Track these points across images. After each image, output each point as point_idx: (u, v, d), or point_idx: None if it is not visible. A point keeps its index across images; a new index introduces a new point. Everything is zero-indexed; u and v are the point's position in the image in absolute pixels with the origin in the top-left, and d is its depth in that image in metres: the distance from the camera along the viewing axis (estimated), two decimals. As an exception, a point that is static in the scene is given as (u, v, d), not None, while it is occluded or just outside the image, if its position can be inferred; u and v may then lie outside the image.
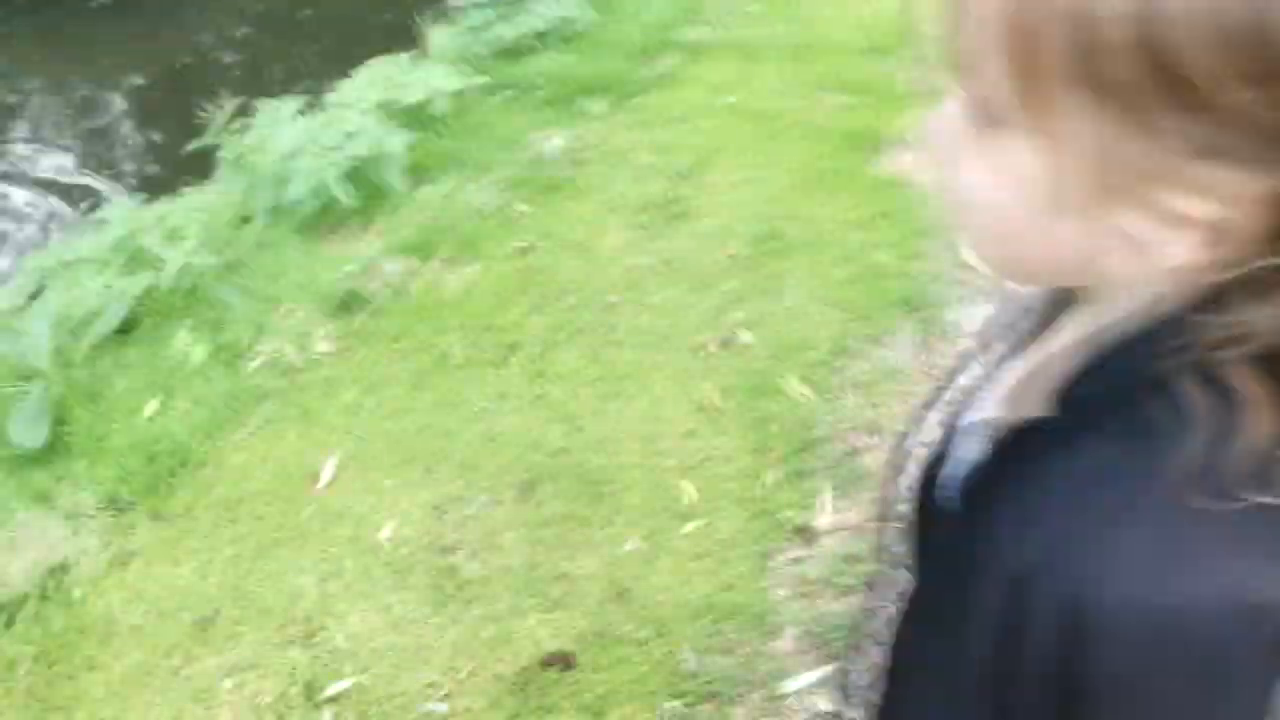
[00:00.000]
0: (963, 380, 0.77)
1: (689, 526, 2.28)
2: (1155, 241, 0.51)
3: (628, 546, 2.25)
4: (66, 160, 5.17)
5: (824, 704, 1.95)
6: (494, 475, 2.44)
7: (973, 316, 2.75)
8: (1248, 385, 0.51)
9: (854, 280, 2.87)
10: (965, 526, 0.64)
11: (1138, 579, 0.52)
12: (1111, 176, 0.51)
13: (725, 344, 2.74)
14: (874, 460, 2.41)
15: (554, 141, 3.52)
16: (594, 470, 2.43)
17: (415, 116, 3.63)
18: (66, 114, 5.81)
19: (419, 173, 3.49)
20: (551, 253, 3.08)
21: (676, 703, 1.95)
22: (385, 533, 2.33)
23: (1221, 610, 0.51)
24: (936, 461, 0.71)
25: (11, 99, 5.94)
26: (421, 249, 3.14)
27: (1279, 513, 0.51)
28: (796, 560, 2.21)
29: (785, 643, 2.06)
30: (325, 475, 2.49)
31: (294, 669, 2.04)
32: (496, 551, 2.27)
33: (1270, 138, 0.47)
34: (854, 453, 2.43)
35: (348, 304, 2.95)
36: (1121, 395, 0.55)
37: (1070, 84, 0.49)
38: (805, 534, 2.25)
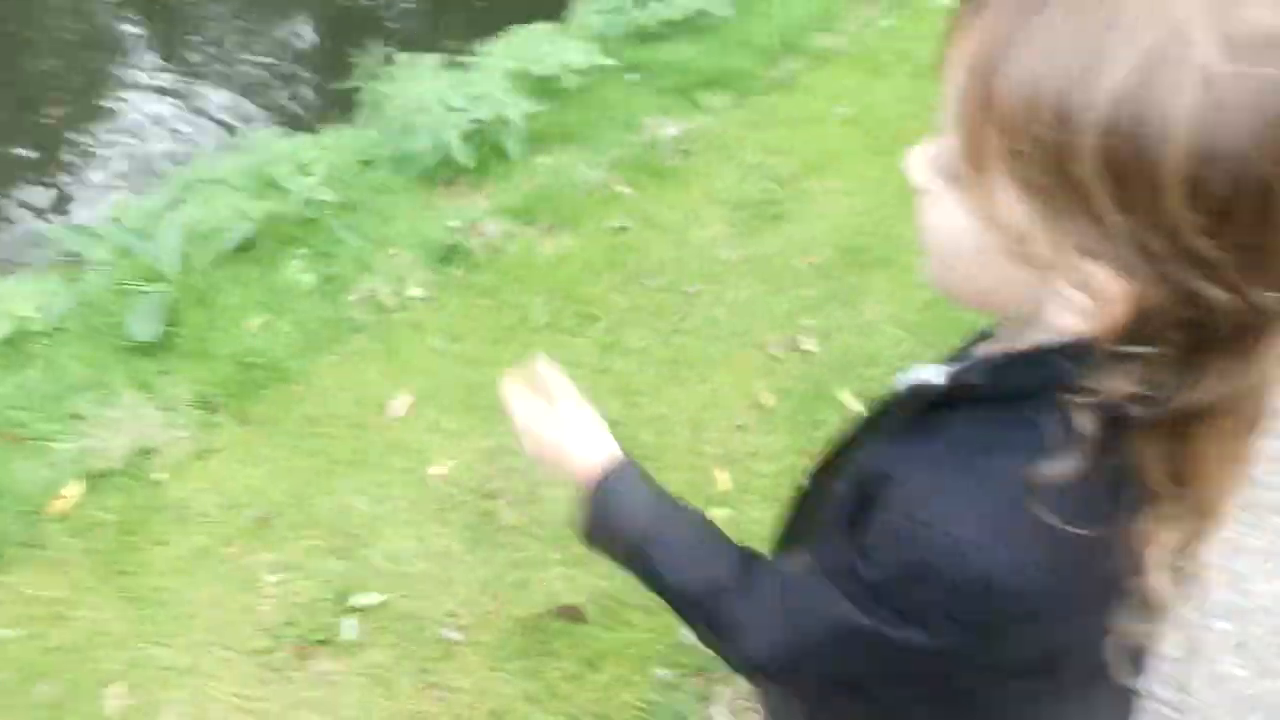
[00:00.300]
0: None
1: (719, 513, 2.39)
2: (1050, 304, 0.63)
3: (657, 521, 2.37)
4: (225, 87, 5.53)
5: (807, 698, 2.05)
6: (548, 435, 2.59)
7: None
8: (1084, 424, 0.63)
9: (930, 305, 2.91)
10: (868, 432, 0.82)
11: (961, 532, 0.66)
12: (1024, 250, 0.62)
13: (791, 347, 2.83)
14: (909, 481, 2.48)
15: (668, 129, 3.64)
16: (642, 445, 2.55)
17: (543, 87, 3.80)
18: (236, 40, 6.19)
19: (537, 142, 3.65)
20: (644, 235, 3.21)
21: (668, 671, 2.08)
22: (438, 470, 2.51)
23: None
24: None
25: (188, 23, 6.36)
26: (524, 214, 3.31)
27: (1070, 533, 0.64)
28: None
29: (785, 636, 2.15)
30: (396, 409, 2.68)
31: (331, 576, 2.23)
32: (535, 505, 2.43)
33: (1137, 252, 0.57)
34: (891, 470, 2.50)
35: (447, 256, 3.14)
36: (998, 391, 0.69)
37: (1004, 171, 0.60)
38: (827, 539, 2.34)
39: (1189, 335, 0.59)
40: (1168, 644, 0.77)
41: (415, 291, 3.04)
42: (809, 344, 2.82)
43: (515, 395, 1.05)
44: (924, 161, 0.69)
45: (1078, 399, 0.63)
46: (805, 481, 0.93)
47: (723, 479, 2.47)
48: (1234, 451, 0.65)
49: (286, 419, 2.64)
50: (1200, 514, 0.67)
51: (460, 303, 3.00)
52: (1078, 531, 0.63)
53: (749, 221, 3.27)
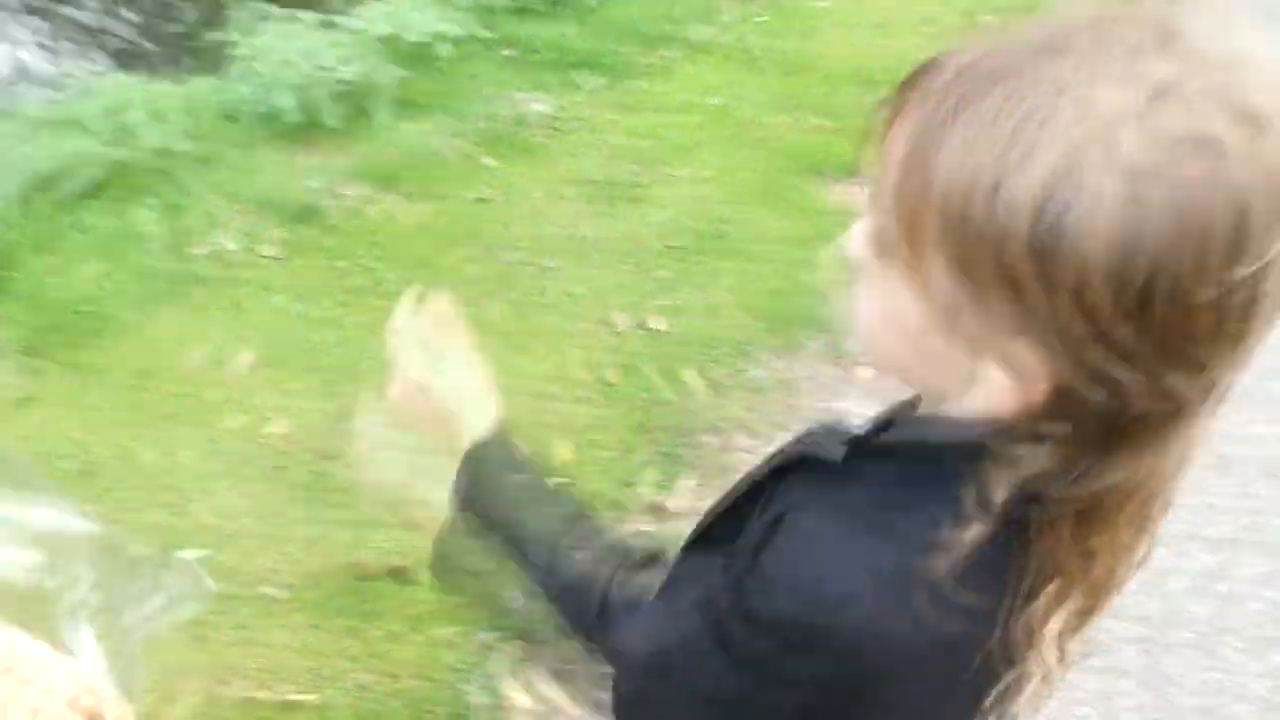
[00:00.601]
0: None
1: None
2: (974, 380, 0.65)
3: (492, 488, 2.40)
4: (86, 27, 5.31)
5: (623, 663, 2.10)
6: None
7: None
8: (998, 496, 0.64)
9: (777, 293, 3.01)
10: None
11: (852, 589, 0.66)
12: (955, 328, 0.63)
13: (640, 326, 2.88)
14: (743, 460, 2.56)
15: (538, 106, 3.65)
16: (484, 414, 2.57)
17: (416, 55, 3.77)
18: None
19: (405, 109, 3.62)
20: (505, 209, 3.23)
21: (492, 634, 2.11)
22: (275, 429, 2.49)
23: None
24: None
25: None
26: (386, 179, 3.28)
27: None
28: (640, 533, 2.36)
29: (608, 603, 2.21)
30: (236, 366, 2.63)
31: (152, 531, 2.19)
32: (372, 467, 2.42)
33: (1059, 335, 0.59)
34: (727, 449, 2.58)
35: (302, 216, 3.10)
36: (919, 453, 0.70)
37: (938, 252, 0.60)
38: (657, 511, 2.40)
39: (1104, 417, 0.61)
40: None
41: (266, 249, 2.99)
42: (658, 323, 2.88)
43: (403, 347, 1.01)
44: (861, 238, 0.67)
45: (996, 471, 0.64)
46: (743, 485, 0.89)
47: (563, 451, 2.50)
48: (1138, 533, 0.68)
49: (117, 370, 2.58)
50: (1095, 594, 0.69)
51: (311, 264, 2.97)
52: (968, 602, 0.64)
53: (610, 201, 3.32)
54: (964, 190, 0.57)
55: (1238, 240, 0.55)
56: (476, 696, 1.99)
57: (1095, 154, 0.54)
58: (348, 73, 3.45)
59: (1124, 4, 0.62)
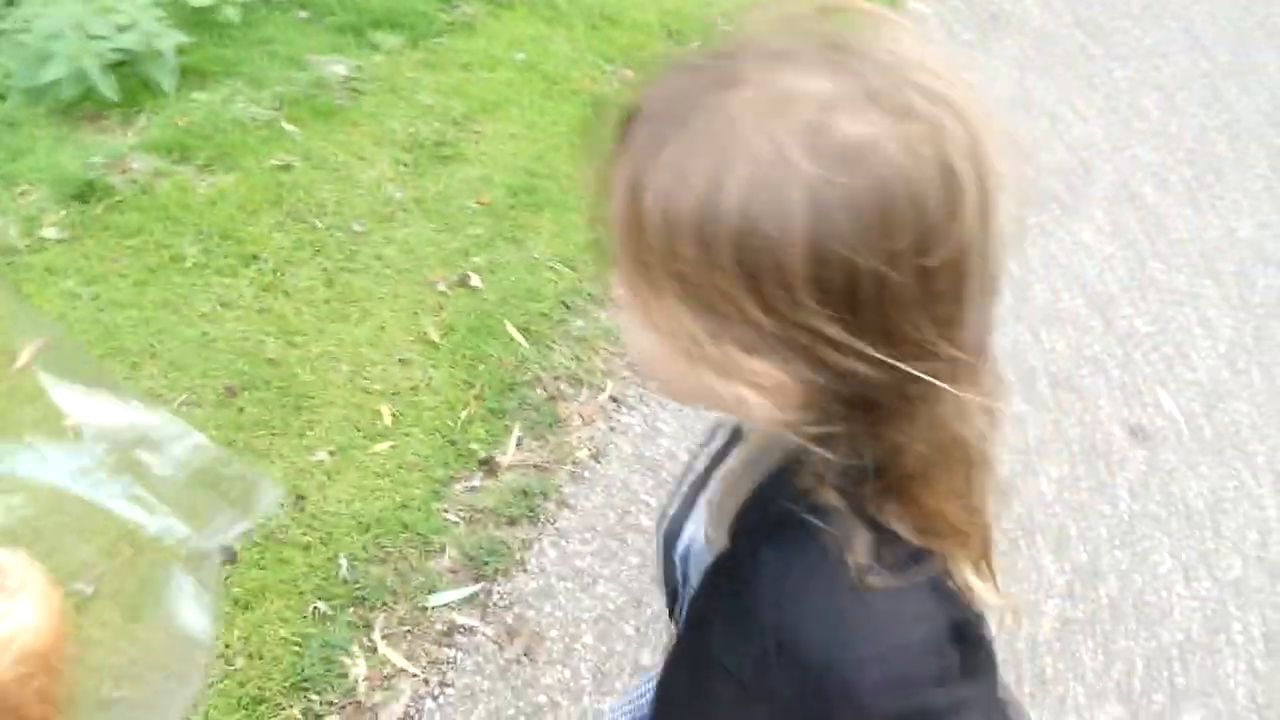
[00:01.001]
0: (700, 460, 0.94)
1: (379, 446, 2.38)
2: (741, 400, 0.68)
3: (315, 457, 2.33)
4: None
5: (462, 618, 2.09)
6: (200, 377, 2.48)
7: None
8: (835, 505, 0.71)
9: (595, 244, 3.01)
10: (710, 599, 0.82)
11: (833, 643, 0.71)
12: (695, 353, 0.67)
13: (457, 284, 2.84)
14: (568, 409, 2.57)
15: (337, 68, 3.53)
16: (301, 384, 2.50)
17: (200, 19, 3.57)
18: None
19: (194, 76, 3.44)
20: (309, 175, 3.11)
21: (324, 604, 2.06)
22: (74, 419, 2.34)
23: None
24: (673, 534, 0.92)
25: None
26: (177, 151, 3.11)
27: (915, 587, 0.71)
28: (473, 489, 2.35)
29: (443, 562, 2.19)
30: (24, 357, 2.46)
31: (-59, 534, 2.04)
32: (185, 449, 2.32)
33: (786, 345, 0.63)
34: (552, 399, 2.58)
35: (87, 193, 2.91)
36: (777, 518, 0.74)
37: (664, 286, 0.64)
38: (488, 466, 2.39)
39: (864, 408, 0.66)
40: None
41: (49, 232, 2.80)
42: (476, 281, 2.85)
43: None
44: (617, 279, 0.71)
45: (812, 487, 0.71)
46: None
47: (386, 413, 2.46)
48: (961, 491, 0.72)
49: (-111, 369, 2.37)
50: (963, 544, 0.74)
51: (99, 244, 2.79)
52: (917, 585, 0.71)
53: (420, 162, 3.25)
54: (671, 221, 0.61)
55: (922, 230, 0.60)
56: (314, 667, 1.95)
57: (777, 174, 0.59)
58: (125, 41, 3.24)
59: (795, 18, 0.67)
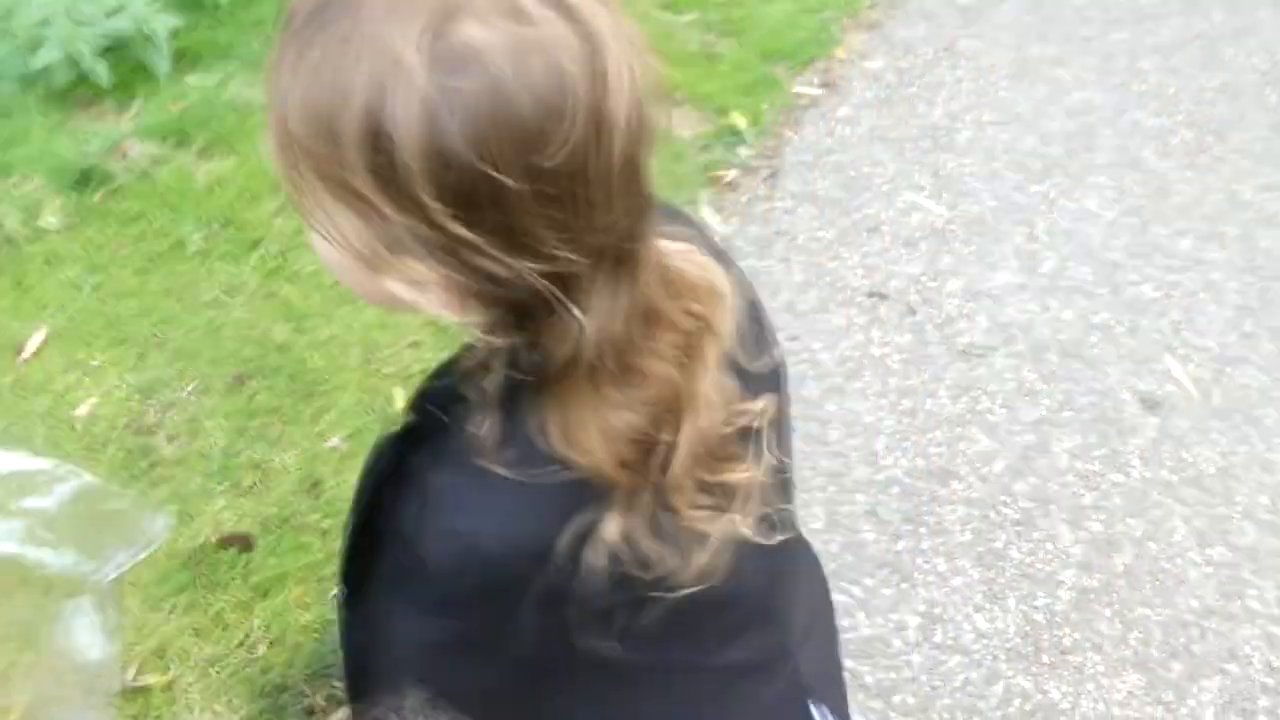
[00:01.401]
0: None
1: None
2: (414, 301, 0.73)
3: (329, 443, 2.33)
4: None
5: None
6: (208, 365, 2.47)
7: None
8: (489, 394, 0.75)
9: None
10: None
11: (456, 518, 0.77)
12: (365, 259, 0.70)
13: (463, 266, 2.82)
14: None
15: (332, 48, 3.49)
16: (311, 370, 2.48)
17: (191, 1, 3.53)
18: None
19: (187, 60, 3.40)
20: (309, 157, 3.08)
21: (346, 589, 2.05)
22: (83, 410, 2.33)
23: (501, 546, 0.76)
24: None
25: None
26: (175, 136, 3.08)
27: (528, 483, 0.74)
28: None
29: (461, 544, 2.18)
30: (29, 349, 2.45)
31: (-43, 529, 2.03)
32: (197, 437, 2.31)
33: (421, 244, 0.66)
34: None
35: (85, 181, 2.88)
36: (447, 399, 0.79)
37: (317, 185, 0.67)
38: (501, 448, 2.38)
39: (514, 309, 0.70)
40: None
41: (49, 221, 2.77)
42: (481, 261, 2.83)
43: None
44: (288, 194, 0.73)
45: (475, 371, 0.76)
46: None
47: (400, 397, 2.45)
48: (606, 402, 0.73)
49: (-106, 364, 2.35)
50: (620, 479, 0.75)
51: (101, 232, 2.77)
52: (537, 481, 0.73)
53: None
54: (310, 129, 0.64)
55: (528, 134, 0.62)
56: (336, 655, 1.94)
57: (393, 80, 0.61)
58: (116, 25, 3.20)
59: None
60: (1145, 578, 2.27)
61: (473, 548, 0.76)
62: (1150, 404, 2.69)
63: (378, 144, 0.62)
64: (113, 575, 0.89)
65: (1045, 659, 2.10)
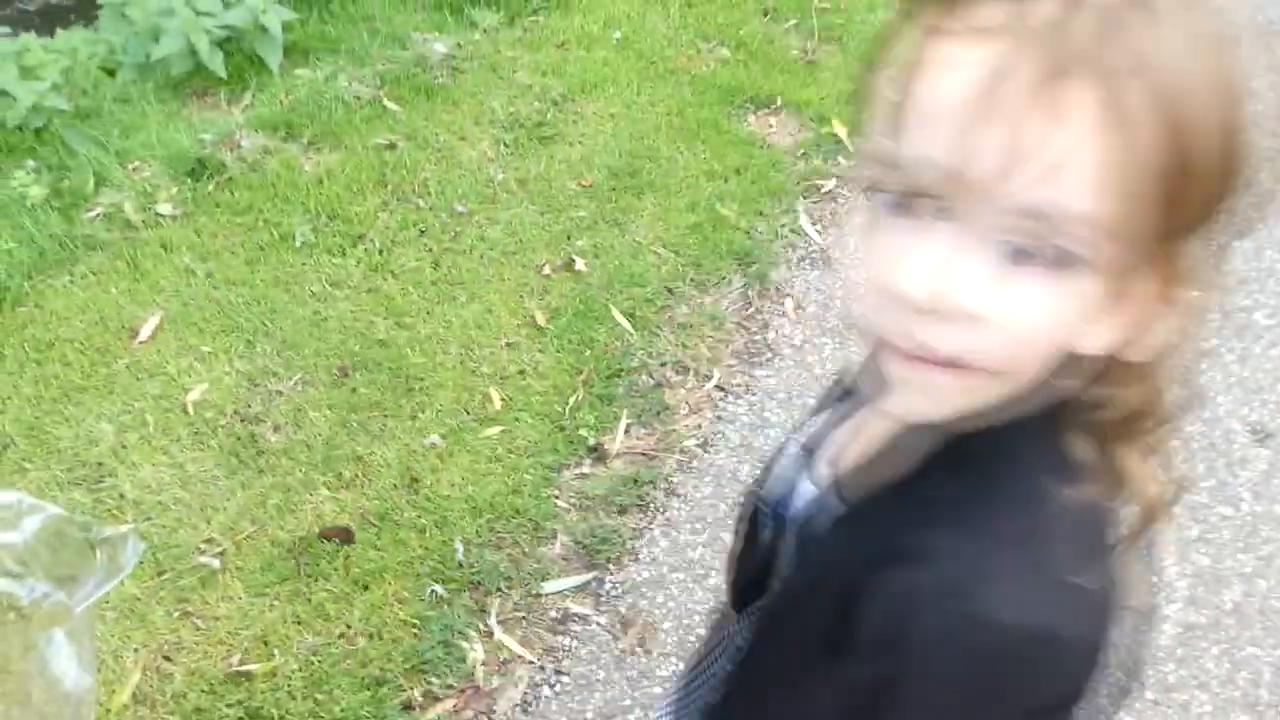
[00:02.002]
0: (815, 420, 0.85)
1: (490, 431, 2.39)
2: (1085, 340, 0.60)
3: (428, 440, 2.35)
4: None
5: (576, 607, 2.10)
6: (313, 357, 2.51)
7: (793, 280, 2.92)
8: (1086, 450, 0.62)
9: (696, 228, 2.99)
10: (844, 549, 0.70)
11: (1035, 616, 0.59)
12: (1122, 299, 0.57)
13: (562, 268, 2.84)
14: (674, 396, 2.56)
15: (437, 46, 3.53)
16: (411, 366, 2.51)
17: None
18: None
19: (298, 54, 3.47)
20: (413, 154, 3.12)
21: (440, 587, 2.08)
22: (194, 395, 2.39)
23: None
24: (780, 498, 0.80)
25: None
26: (285, 129, 3.14)
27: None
28: (583, 476, 2.35)
29: (555, 549, 2.20)
30: (144, 332, 2.52)
31: (75, 509, 2.09)
32: (300, 428, 2.35)
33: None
34: (659, 386, 2.57)
35: (199, 170, 2.95)
36: (998, 442, 0.63)
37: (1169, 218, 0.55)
38: (597, 453, 2.39)
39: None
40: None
41: (164, 208, 2.85)
42: (580, 264, 2.84)
43: None
44: (986, 269, 0.56)
45: (1081, 421, 0.62)
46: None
47: (496, 397, 2.47)
48: (1155, 446, 0.65)
49: (15, 344, 2.43)
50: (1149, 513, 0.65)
51: (212, 221, 2.83)
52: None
53: (521, 142, 3.24)
54: (1218, 131, 0.54)
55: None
56: (433, 650, 1.97)
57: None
58: (232, 17, 3.28)
59: None
60: (1255, 616, 2.20)
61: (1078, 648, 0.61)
62: (1261, 435, 2.60)
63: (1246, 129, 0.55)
64: (85, 605, 0.89)
65: (1150, 695, 2.04)
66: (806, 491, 0.78)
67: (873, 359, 0.63)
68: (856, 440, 0.76)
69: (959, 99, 0.52)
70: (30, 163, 2.91)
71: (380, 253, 2.81)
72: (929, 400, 0.61)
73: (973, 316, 0.56)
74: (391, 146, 3.14)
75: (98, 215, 2.79)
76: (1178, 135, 0.52)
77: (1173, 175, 0.53)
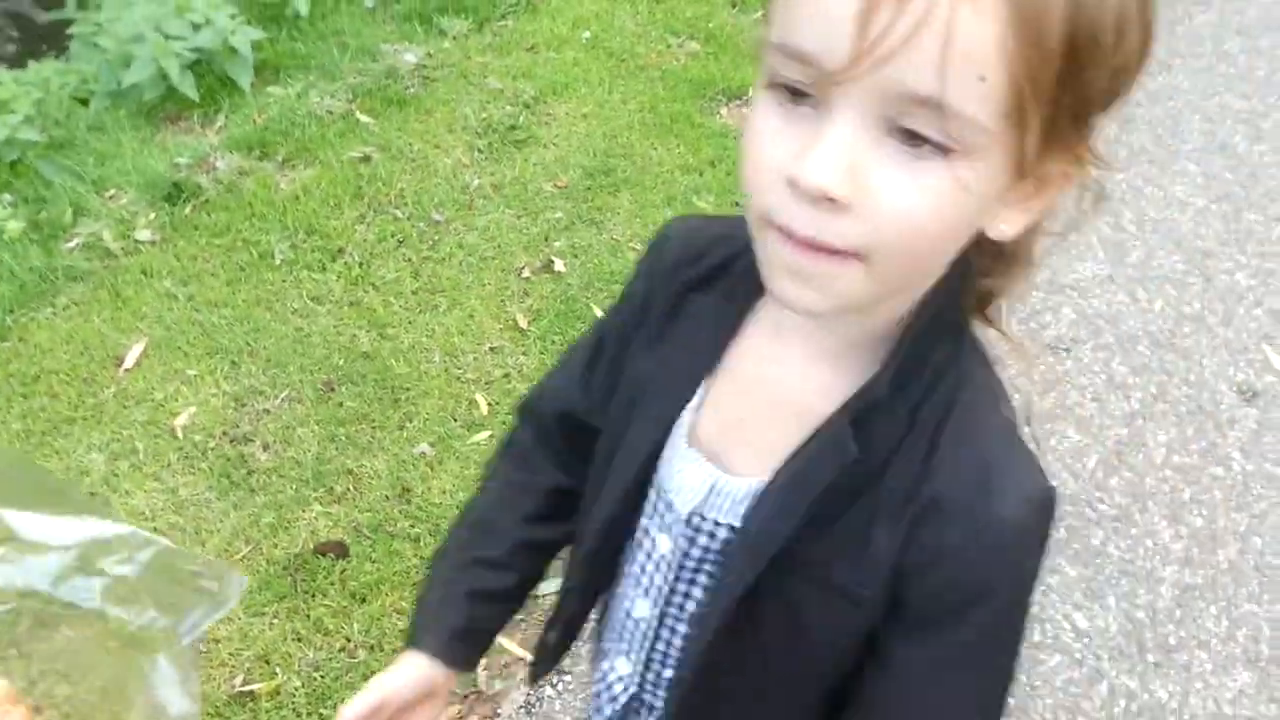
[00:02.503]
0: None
1: (479, 436, 2.39)
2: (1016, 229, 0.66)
3: (417, 450, 2.35)
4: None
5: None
6: (299, 373, 2.51)
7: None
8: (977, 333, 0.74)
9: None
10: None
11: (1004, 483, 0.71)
12: (1019, 176, 0.63)
13: (541, 269, 2.84)
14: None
15: (407, 56, 3.53)
16: (396, 376, 2.52)
17: (271, 14, 3.60)
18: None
19: (269, 72, 3.47)
20: (388, 165, 3.12)
21: (439, 594, 2.08)
22: (182, 419, 2.39)
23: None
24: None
25: None
26: (259, 148, 3.14)
27: None
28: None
29: (551, 548, 2.20)
30: (129, 359, 2.52)
31: (68, 538, 2.09)
32: (289, 445, 2.35)
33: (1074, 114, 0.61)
34: (646, 381, 2.57)
35: (175, 194, 2.95)
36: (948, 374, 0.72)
37: (1045, 98, 0.58)
38: (587, 451, 2.39)
39: None
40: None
41: (143, 234, 2.85)
42: (560, 265, 2.84)
43: None
44: (868, 145, 0.57)
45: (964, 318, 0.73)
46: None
47: (482, 403, 2.47)
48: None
49: (1, 378, 2.43)
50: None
51: (191, 244, 2.83)
52: None
53: (495, 147, 3.24)
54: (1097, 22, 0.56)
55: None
56: (433, 658, 1.97)
57: None
58: (202, 39, 3.28)
59: None
60: (1251, 573, 2.21)
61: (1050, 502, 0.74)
62: (1248, 394, 2.61)
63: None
64: (190, 637, 0.90)
65: (1150, 658, 2.05)
66: (699, 480, 0.78)
67: (759, 248, 0.64)
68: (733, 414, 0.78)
69: None
70: (6, 196, 2.91)
71: (360, 265, 2.81)
72: (819, 292, 0.62)
73: (875, 207, 0.58)
74: (366, 159, 3.14)
75: (77, 245, 2.79)
76: (1078, 11, 0.55)
77: (1073, 53, 0.55)
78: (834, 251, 0.60)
